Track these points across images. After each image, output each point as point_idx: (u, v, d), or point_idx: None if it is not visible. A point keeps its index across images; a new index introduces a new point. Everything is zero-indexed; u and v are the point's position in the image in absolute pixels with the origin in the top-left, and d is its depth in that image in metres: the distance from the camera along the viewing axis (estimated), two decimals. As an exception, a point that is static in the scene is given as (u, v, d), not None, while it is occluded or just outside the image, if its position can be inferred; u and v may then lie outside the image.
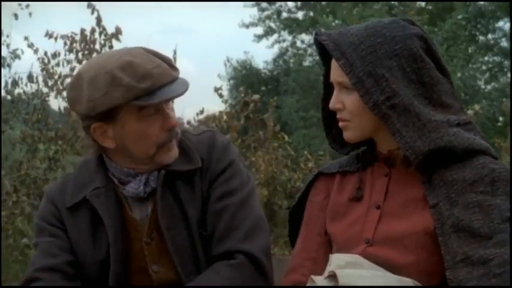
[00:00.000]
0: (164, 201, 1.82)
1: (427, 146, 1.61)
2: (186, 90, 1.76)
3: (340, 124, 1.72)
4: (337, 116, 1.71)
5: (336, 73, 1.68)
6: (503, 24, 16.49)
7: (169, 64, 1.79)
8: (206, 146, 1.87)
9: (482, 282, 1.51)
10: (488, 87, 16.46)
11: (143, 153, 1.79)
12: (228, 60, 17.92)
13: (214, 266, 1.78)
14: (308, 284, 1.60)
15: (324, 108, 1.79)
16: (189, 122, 6.18)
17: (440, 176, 1.63)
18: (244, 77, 17.62)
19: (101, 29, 5.82)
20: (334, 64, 1.69)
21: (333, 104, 1.70)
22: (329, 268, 1.57)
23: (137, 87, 1.70)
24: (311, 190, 1.86)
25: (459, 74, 14.98)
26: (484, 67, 16.78)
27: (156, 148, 1.78)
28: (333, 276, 1.53)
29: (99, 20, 5.81)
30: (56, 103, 6.07)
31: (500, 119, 14.27)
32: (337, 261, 1.58)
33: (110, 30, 5.81)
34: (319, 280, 1.56)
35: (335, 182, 1.81)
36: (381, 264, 1.60)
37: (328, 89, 1.76)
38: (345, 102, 1.68)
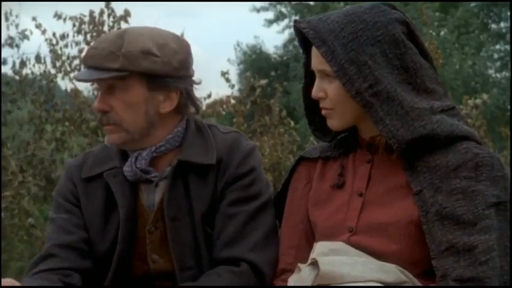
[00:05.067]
0: (172, 192, 1.81)
1: (410, 134, 1.60)
2: (93, 79, 1.83)
3: (324, 112, 1.70)
4: (320, 105, 1.69)
5: (317, 61, 1.66)
6: (516, 12, 16.36)
7: (124, 55, 1.76)
8: (229, 147, 1.85)
9: (469, 271, 1.51)
10: (499, 76, 16.36)
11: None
12: (238, 45, 17.91)
13: (217, 270, 1.78)
14: (295, 272, 1.60)
15: (306, 97, 1.77)
16: (196, 106, 6.17)
17: (423, 162, 1.63)
18: (254, 62, 17.60)
19: (110, 11, 5.82)
20: (315, 52, 1.66)
21: (315, 92, 1.68)
22: (312, 255, 1.57)
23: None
24: (293, 176, 1.84)
25: (470, 62, 14.89)
26: (495, 55, 16.67)
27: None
28: (315, 263, 1.53)
29: (107, 2, 5.80)
30: (64, 84, 6.08)
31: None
32: (320, 248, 1.58)
33: (119, 12, 5.81)
34: (303, 268, 1.56)
35: (317, 168, 1.80)
36: (365, 252, 1.60)
37: (310, 77, 1.74)
38: (327, 90, 1.66)
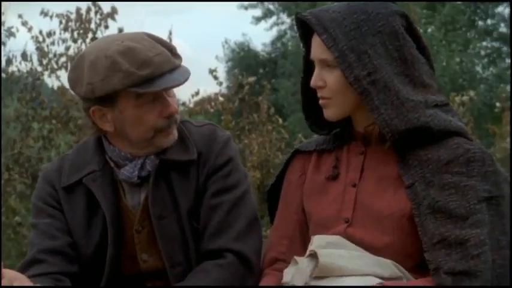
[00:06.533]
0: (156, 190, 1.82)
1: (404, 125, 1.62)
2: (186, 79, 1.77)
3: (321, 102, 1.71)
4: (319, 95, 1.71)
5: (318, 50, 1.68)
6: (503, 9, 16.44)
7: (172, 52, 1.79)
8: (206, 139, 1.87)
9: (461, 264, 1.53)
10: (487, 72, 16.43)
11: (140, 137, 1.80)
12: (226, 42, 17.89)
13: (204, 266, 1.79)
14: (291, 265, 1.61)
15: (304, 91, 1.78)
16: (184, 103, 6.17)
17: (415, 156, 1.65)
18: (242, 59, 17.59)
19: (97, 9, 5.79)
20: (316, 41, 1.69)
21: (315, 81, 1.70)
22: (310, 247, 1.58)
23: (136, 74, 1.70)
24: (288, 168, 1.87)
25: (457, 59, 14.94)
26: (482, 52, 16.74)
27: (154, 132, 1.79)
28: (313, 255, 1.55)
29: (94, 1, 5.77)
30: (50, 82, 6.04)
31: (497, 104, 14.25)
32: (318, 241, 1.59)
33: (106, 9, 5.78)
34: (301, 260, 1.56)
35: (312, 160, 1.82)
36: (358, 245, 1.62)
37: (308, 72, 1.75)
38: (327, 79, 1.68)
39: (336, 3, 1.71)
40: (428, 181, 1.61)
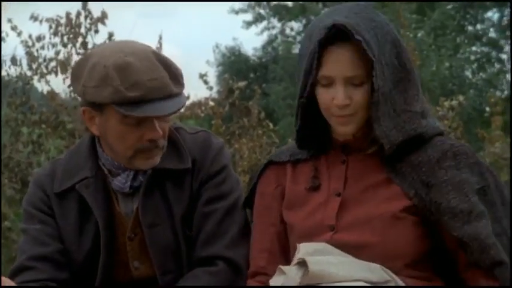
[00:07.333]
0: (148, 198, 1.82)
1: (401, 136, 1.63)
2: (176, 110, 1.76)
3: (342, 120, 1.66)
4: (340, 113, 1.65)
5: (344, 67, 1.62)
6: (492, 14, 16.54)
7: (175, 78, 1.76)
8: (200, 147, 1.87)
9: (487, 258, 1.55)
10: (476, 77, 16.51)
11: (120, 153, 1.79)
12: (216, 47, 17.90)
13: (195, 272, 1.80)
14: (277, 275, 1.60)
15: (303, 112, 1.71)
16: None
17: (406, 163, 1.66)
18: (233, 64, 17.60)
19: (87, 13, 5.78)
20: (341, 58, 1.62)
21: (343, 100, 1.63)
22: (298, 255, 1.57)
23: (124, 93, 1.69)
24: (260, 180, 1.84)
25: (447, 64, 15.01)
26: (472, 57, 16.82)
27: (134, 152, 1.78)
28: (302, 263, 1.54)
29: (84, 3, 5.76)
30: (40, 86, 6.03)
31: (487, 109, 14.31)
32: (305, 249, 1.59)
33: (96, 14, 5.77)
34: (288, 269, 1.56)
35: (287, 171, 1.79)
36: (348, 247, 1.61)
37: (305, 87, 1.67)
38: (354, 96, 1.64)
39: (340, 7, 1.67)
40: (427, 183, 1.63)
